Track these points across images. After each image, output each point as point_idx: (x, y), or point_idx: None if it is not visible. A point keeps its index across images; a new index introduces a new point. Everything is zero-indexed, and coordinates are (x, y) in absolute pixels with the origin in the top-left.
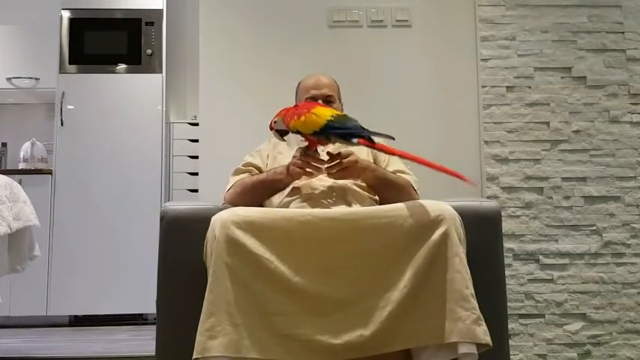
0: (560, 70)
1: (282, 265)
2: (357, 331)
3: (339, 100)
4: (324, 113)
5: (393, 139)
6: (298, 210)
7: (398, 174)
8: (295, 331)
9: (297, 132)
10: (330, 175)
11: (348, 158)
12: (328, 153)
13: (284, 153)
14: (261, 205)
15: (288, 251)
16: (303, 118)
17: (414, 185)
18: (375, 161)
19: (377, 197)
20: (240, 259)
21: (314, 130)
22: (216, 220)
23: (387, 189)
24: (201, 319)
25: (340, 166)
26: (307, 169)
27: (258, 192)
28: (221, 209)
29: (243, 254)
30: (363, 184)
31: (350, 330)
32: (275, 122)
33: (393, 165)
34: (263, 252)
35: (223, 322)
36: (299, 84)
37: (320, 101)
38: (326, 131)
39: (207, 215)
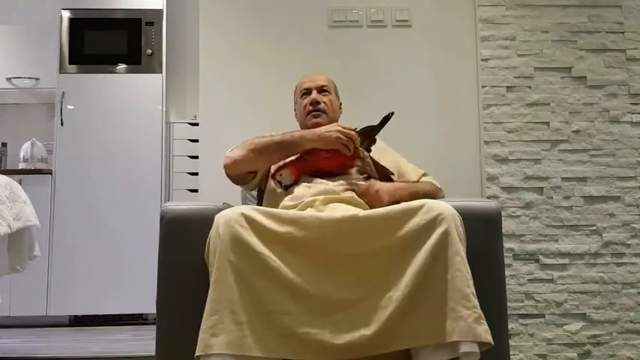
0: (560, 70)
1: (285, 266)
2: (360, 331)
3: (336, 95)
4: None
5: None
6: (299, 212)
7: (421, 180)
8: (297, 330)
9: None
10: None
11: (366, 186)
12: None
13: None
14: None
15: (290, 252)
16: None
17: (437, 185)
18: (400, 171)
19: None
20: (244, 257)
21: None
22: (220, 217)
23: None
24: (204, 316)
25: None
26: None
27: (270, 150)
28: (221, 209)
29: (247, 252)
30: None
31: (352, 330)
32: (281, 175)
33: (412, 172)
34: (266, 251)
35: (226, 319)
36: (296, 86)
37: (315, 92)
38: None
39: (207, 215)
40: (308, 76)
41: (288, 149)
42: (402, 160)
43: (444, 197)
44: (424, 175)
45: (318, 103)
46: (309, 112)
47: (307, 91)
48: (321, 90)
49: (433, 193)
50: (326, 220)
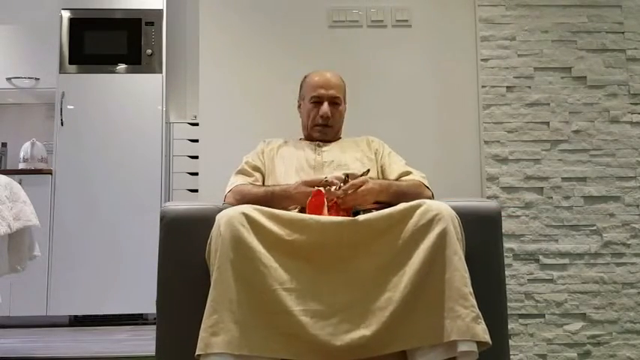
0: (560, 70)
1: (284, 267)
2: (359, 332)
3: (344, 101)
4: None
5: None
6: (300, 214)
7: (404, 178)
8: (297, 330)
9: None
10: (344, 198)
11: (360, 179)
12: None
13: (283, 154)
14: None
15: (290, 254)
16: None
17: (424, 182)
18: (383, 169)
19: None
20: (245, 256)
21: None
22: (221, 217)
23: (402, 199)
24: (204, 315)
25: (353, 188)
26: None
27: (262, 202)
28: (221, 209)
29: (248, 252)
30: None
31: (352, 331)
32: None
33: (395, 169)
34: (266, 252)
35: (226, 319)
36: (305, 78)
37: (326, 104)
38: None
39: (207, 215)
40: (323, 79)
41: (279, 205)
42: (390, 155)
43: (427, 195)
44: (407, 173)
45: (328, 118)
46: (316, 124)
47: (319, 100)
48: (333, 102)
49: (418, 191)
50: (326, 223)
